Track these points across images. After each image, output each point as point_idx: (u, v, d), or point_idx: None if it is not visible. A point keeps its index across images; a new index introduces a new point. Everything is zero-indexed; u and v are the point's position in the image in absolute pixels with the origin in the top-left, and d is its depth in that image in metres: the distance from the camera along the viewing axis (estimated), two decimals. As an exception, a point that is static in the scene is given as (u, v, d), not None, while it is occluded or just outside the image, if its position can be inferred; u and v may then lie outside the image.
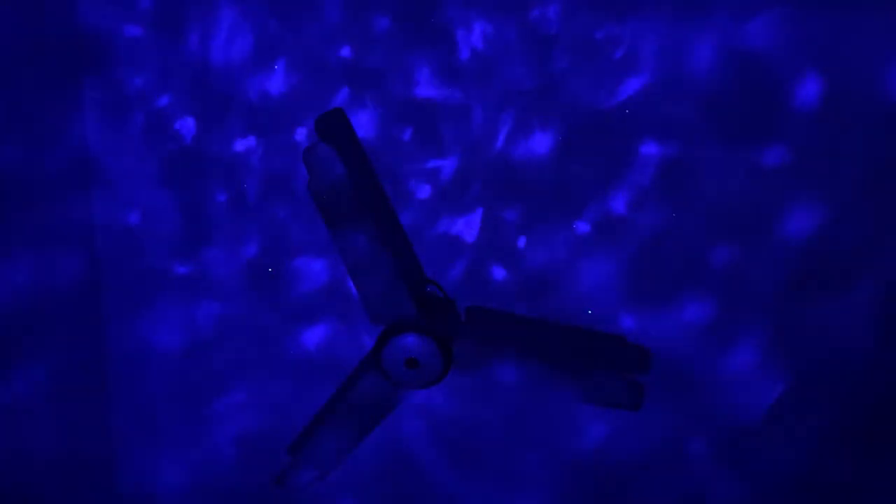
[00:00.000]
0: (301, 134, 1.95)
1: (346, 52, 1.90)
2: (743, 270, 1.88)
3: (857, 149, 1.79)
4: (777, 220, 1.84)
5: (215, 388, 2.17)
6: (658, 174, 1.86)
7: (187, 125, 1.99)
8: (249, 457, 2.21)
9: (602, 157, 1.88)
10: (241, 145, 1.99)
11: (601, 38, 1.81)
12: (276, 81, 1.93)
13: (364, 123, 1.92)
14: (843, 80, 1.75)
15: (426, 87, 1.89)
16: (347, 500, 2.21)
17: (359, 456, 1.96)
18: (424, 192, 1.96)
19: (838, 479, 1.99)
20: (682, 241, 1.89)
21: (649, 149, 1.85)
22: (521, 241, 1.95)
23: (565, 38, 1.82)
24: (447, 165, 1.93)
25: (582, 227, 1.91)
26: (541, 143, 1.88)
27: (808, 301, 1.88)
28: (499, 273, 1.98)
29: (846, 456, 1.97)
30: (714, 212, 1.86)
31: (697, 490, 2.06)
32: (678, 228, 1.88)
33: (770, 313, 1.90)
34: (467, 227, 1.96)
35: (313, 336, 2.09)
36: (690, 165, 1.85)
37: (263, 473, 2.06)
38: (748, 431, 1.99)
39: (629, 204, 1.89)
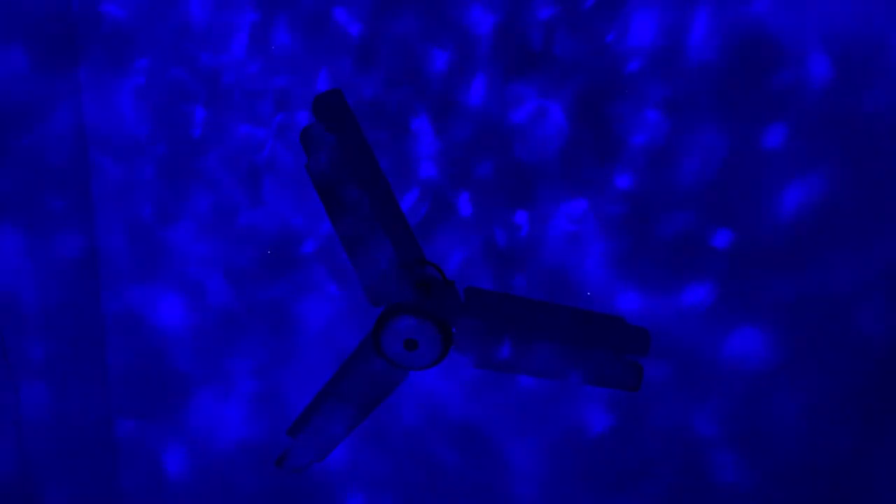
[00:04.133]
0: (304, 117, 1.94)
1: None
2: (743, 251, 1.88)
3: (857, 130, 1.78)
4: (777, 200, 1.84)
5: (217, 371, 2.18)
6: (657, 154, 1.85)
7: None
8: (252, 444, 2.22)
9: (602, 134, 1.87)
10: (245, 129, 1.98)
11: (602, 13, 1.79)
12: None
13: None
14: (849, 59, 1.74)
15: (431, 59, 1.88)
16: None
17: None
18: (424, 172, 1.95)
19: (841, 455, 2.00)
20: (683, 222, 1.89)
21: (649, 128, 1.84)
22: (521, 222, 1.95)
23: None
24: (447, 142, 1.92)
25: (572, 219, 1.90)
26: (540, 120, 1.87)
27: (807, 279, 1.88)
28: (498, 255, 1.98)
29: (849, 431, 1.98)
30: (714, 192, 1.86)
31: (698, 469, 2.07)
32: (678, 209, 1.88)
33: (770, 293, 1.90)
34: (467, 207, 1.95)
35: (314, 316, 2.09)
36: (691, 145, 1.84)
37: (266, 460, 2.07)
38: (749, 411, 1.99)
39: (629, 183, 1.88)
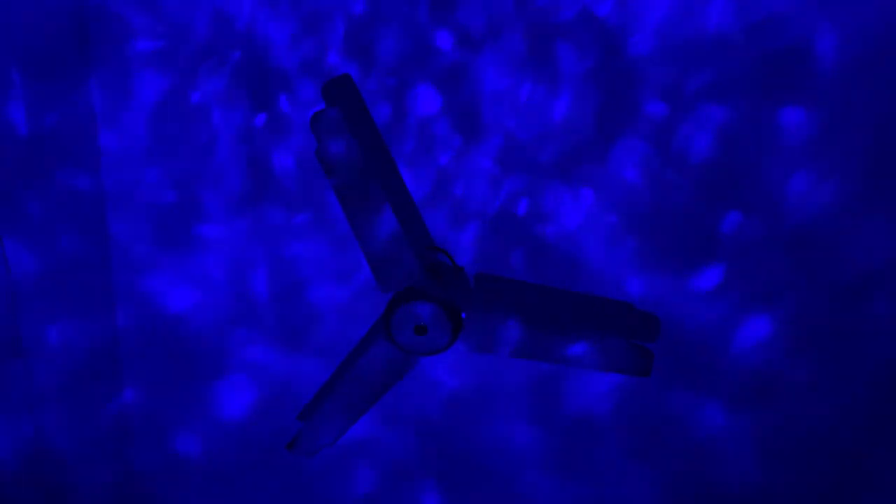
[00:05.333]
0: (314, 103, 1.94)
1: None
2: (755, 236, 1.87)
3: (873, 115, 1.76)
4: (790, 185, 1.83)
5: (227, 354, 2.19)
6: (667, 135, 1.84)
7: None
8: (262, 424, 2.23)
9: (610, 118, 1.85)
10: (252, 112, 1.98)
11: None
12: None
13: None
14: (867, 42, 1.71)
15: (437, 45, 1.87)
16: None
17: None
18: (434, 157, 1.95)
19: (852, 441, 2.00)
20: (693, 207, 1.88)
21: (659, 109, 1.83)
22: (531, 207, 1.94)
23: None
24: (455, 125, 1.92)
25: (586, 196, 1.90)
26: (549, 99, 1.86)
27: (820, 268, 1.87)
28: (507, 240, 1.98)
29: (860, 420, 1.98)
30: (724, 176, 1.85)
31: (704, 456, 2.08)
32: (688, 193, 1.87)
33: (781, 278, 1.89)
34: (476, 191, 1.95)
35: (324, 301, 2.10)
36: (703, 127, 1.83)
37: (276, 440, 2.09)
38: (759, 397, 1.99)
39: (637, 167, 1.87)
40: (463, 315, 1.76)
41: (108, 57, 1.97)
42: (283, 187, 2.01)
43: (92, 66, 1.98)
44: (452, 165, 1.94)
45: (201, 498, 2.33)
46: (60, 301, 2.05)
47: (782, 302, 1.91)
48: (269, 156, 2.00)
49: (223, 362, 2.18)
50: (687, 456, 2.08)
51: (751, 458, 2.06)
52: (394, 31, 1.88)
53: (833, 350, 1.93)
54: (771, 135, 1.80)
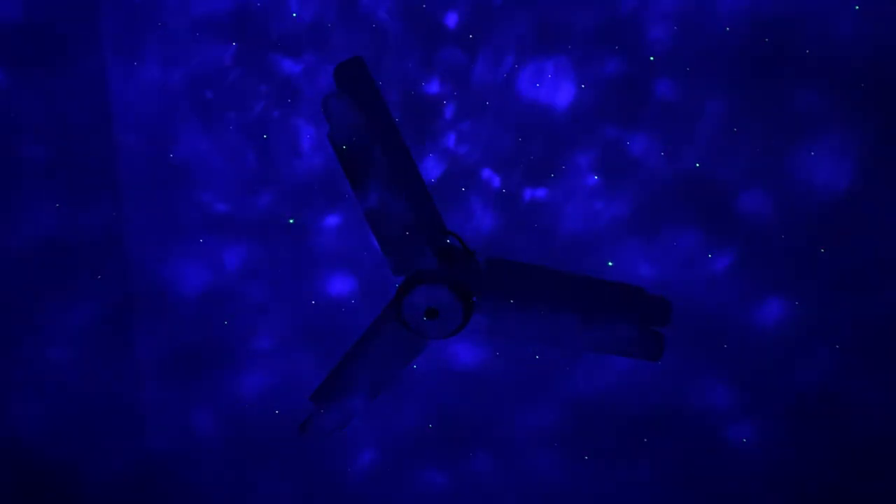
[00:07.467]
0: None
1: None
2: (769, 219, 1.86)
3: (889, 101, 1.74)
4: (806, 169, 1.81)
5: (241, 335, 2.20)
6: (680, 118, 1.83)
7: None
8: (275, 404, 2.25)
9: (619, 102, 1.84)
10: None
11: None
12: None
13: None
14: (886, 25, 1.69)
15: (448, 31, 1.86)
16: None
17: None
18: (443, 143, 1.94)
19: (861, 426, 1.99)
20: (707, 189, 1.87)
21: (670, 92, 1.81)
22: (542, 191, 1.94)
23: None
24: (463, 114, 1.91)
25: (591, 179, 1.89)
26: (556, 89, 1.85)
27: (835, 249, 1.86)
28: (519, 224, 1.97)
29: (873, 405, 1.97)
30: (739, 159, 1.83)
31: (716, 439, 2.08)
32: (702, 175, 1.86)
33: (793, 262, 1.88)
34: (487, 175, 1.95)
35: (337, 284, 2.11)
36: (715, 110, 1.81)
37: (289, 421, 2.10)
38: (769, 382, 1.99)
39: (649, 149, 1.86)
40: (474, 299, 1.76)
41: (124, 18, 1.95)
42: (292, 165, 2.01)
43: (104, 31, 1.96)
44: (465, 148, 1.94)
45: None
46: (76, 284, 2.06)
47: (794, 285, 1.90)
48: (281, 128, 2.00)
49: (237, 345, 2.20)
50: (697, 439, 2.08)
51: (759, 438, 2.06)
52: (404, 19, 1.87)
53: (842, 333, 1.92)
54: (787, 117, 1.78)
